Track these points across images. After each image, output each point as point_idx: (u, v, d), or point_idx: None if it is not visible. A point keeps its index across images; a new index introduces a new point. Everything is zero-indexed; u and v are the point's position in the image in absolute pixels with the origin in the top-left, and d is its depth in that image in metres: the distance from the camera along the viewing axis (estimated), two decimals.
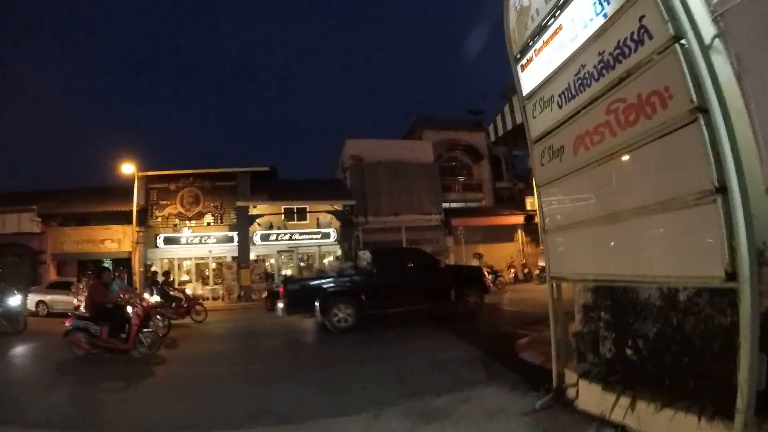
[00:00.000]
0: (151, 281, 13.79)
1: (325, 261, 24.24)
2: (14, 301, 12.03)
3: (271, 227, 23.15)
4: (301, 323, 11.19)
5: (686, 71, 2.66)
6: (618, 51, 3.20)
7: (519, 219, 24.71)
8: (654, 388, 3.10)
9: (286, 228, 23.43)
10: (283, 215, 23.48)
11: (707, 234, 2.54)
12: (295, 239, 23.18)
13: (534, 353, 5.88)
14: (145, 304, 8.73)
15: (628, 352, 3.41)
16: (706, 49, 2.68)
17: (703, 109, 2.57)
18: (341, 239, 22.91)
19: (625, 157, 3.14)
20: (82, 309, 9.59)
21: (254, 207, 22.31)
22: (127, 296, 8.65)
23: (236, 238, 22.14)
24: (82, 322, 7.83)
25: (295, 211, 23.69)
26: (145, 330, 7.95)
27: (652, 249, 2.97)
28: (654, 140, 2.87)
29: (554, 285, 4.26)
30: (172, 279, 16.67)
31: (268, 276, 21.99)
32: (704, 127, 2.55)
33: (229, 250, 22.45)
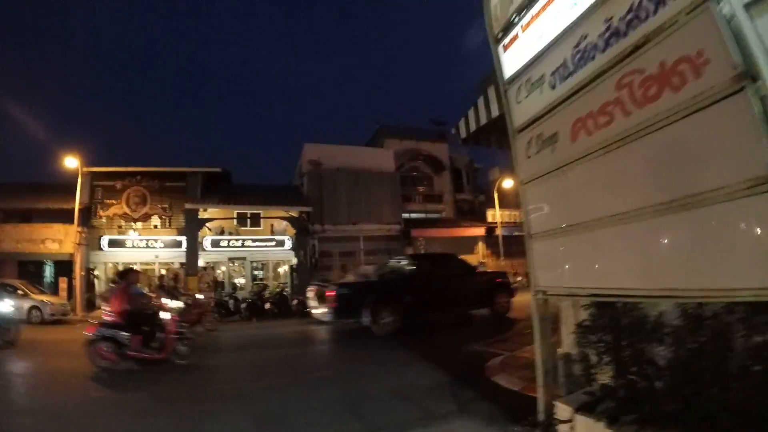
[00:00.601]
0: (159, 285, 12.49)
1: (280, 270, 23.18)
2: (3, 306, 9.81)
3: (222, 233, 21.88)
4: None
5: (726, 31, 2.12)
6: (632, 15, 2.65)
7: (480, 231, 24.50)
8: (672, 424, 2.50)
9: (238, 234, 22.21)
10: (235, 221, 22.28)
11: (763, 233, 1.97)
12: (248, 246, 21.91)
13: (509, 377, 5.20)
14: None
15: (637, 380, 2.80)
16: (751, 4, 2.14)
17: (751, 76, 2.03)
18: (296, 247, 21.83)
19: (644, 141, 2.55)
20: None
21: (204, 210, 20.96)
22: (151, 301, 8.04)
23: (185, 243, 20.61)
24: (109, 331, 6.96)
25: (249, 216, 22.52)
26: (180, 337, 7.25)
27: (682, 255, 2.36)
28: (684, 117, 2.30)
29: (541, 300, 3.62)
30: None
31: (218, 284, 20.71)
32: (754, 98, 2.01)
33: (177, 256, 20.85)
